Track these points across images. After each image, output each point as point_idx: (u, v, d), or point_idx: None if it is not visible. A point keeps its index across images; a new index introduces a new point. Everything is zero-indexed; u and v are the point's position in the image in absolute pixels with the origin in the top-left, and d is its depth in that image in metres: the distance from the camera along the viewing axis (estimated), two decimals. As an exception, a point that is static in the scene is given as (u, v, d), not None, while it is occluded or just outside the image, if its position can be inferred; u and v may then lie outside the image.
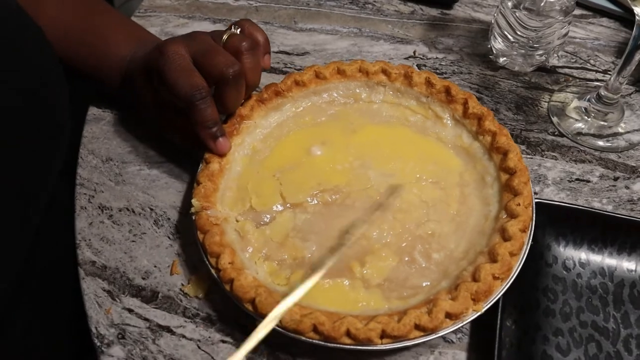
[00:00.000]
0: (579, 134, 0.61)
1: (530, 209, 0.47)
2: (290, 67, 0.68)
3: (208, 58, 0.48)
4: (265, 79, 0.52)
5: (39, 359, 0.54)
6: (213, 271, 0.45)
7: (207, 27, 0.72)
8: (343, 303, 0.44)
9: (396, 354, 0.46)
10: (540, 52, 0.64)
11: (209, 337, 0.47)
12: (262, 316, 0.42)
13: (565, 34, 0.64)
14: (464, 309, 0.41)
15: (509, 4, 0.62)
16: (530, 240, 0.47)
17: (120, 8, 1.23)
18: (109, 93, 0.60)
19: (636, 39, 0.54)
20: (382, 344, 0.41)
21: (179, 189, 0.56)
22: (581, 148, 0.60)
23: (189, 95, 0.47)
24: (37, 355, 0.53)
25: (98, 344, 0.47)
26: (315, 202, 0.49)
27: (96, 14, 0.58)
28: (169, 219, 0.54)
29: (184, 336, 0.47)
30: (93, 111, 0.63)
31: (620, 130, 0.61)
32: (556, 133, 0.61)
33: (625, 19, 0.72)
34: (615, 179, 0.57)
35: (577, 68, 0.68)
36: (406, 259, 0.46)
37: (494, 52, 0.67)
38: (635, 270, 0.50)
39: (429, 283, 0.45)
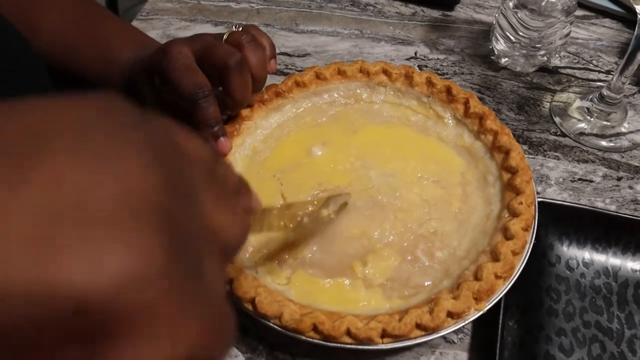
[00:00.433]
0: (582, 134, 0.60)
1: (533, 207, 0.47)
2: (291, 69, 0.68)
3: (210, 52, 0.48)
4: (266, 80, 0.52)
5: None
6: None
7: (209, 29, 0.73)
8: (344, 302, 0.43)
9: (397, 354, 0.46)
10: (542, 52, 0.64)
11: (209, 337, 0.47)
12: (262, 316, 0.42)
13: (567, 34, 0.63)
14: (465, 308, 0.41)
15: (511, 4, 0.62)
16: (533, 239, 0.46)
17: (124, 14, 1.23)
18: None
19: (638, 38, 0.53)
20: (382, 343, 0.40)
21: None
22: (584, 148, 0.59)
23: (192, 93, 0.47)
24: None
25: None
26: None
27: (97, 22, 0.58)
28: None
29: (183, 336, 0.47)
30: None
31: (623, 130, 0.61)
32: (558, 133, 0.61)
33: (627, 19, 0.72)
34: (619, 179, 0.57)
35: (579, 68, 0.67)
36: (409, 257, 0.46)
37: (496, 52, 0.67)
38: (640, 271, 0.50)
39: (430, 282, 0.44)
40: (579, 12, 0.73)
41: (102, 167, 0.15)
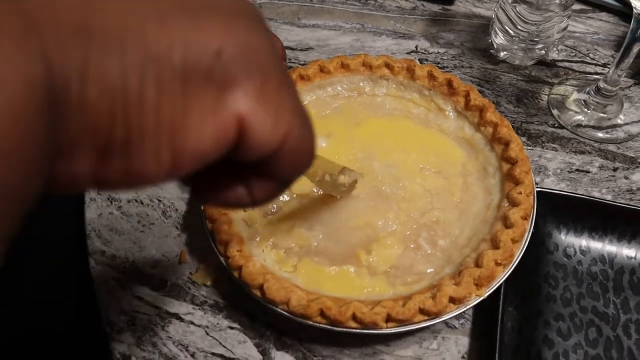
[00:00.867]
0: (579, 125, 0.62)
1: (532, 197, 0.48)
2: (294, 62, 0.69)
3: None
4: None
5: (52, 346, 0.55)
6: (222, 259, 0.46)
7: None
8: (349, 289, 0.45)
9: (400, 339, 0.47)
10: (540, 45, 0.65)
11: (217, 323, 0.48)
12: (270, 302, 0.43)
13: (565, 28, 0.65)
14: (467, 293, 0.42)
15: (509, -2, 0.64)
16: (532, 228, 0.48)
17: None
18: None
19: (634, 31, 0.55)
20: (387, 327, 0.42)
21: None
22: (581, 139, 0.61)
23: None
24: (51, 342, 0.54)
25: (109, 330, 0.48)
26: (321, 192, 0.50)
27: None
28: (176, 209, 0.55)
29: (192, 323, 0.48)
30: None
31: (619, 121, 0.62)
32: (556, 125, 0.62)
33: (624, 13, 0.73)
34: (615, 169, 0.58)
35: (576, 62, 0.69)
36: (412, 246, 0.47)
37: (495, 46, 0.68)
38: (635, 258, 0.51)
39: (433, 270, 0.46)
40: (576, 6, 0.75)
41: None
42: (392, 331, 0.42)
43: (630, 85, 0.66)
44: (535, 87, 0.66)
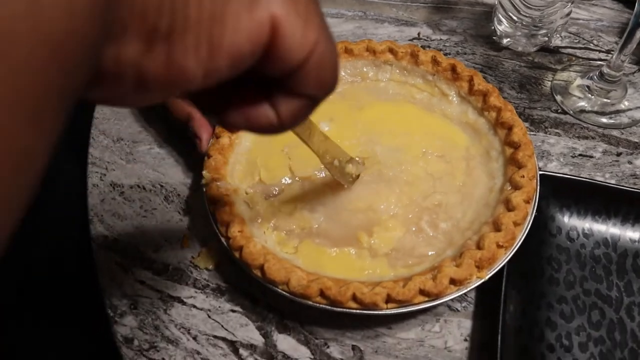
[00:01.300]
0: (582, 111, 0.62)
1: (534, 181, 0.48)
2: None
3: None
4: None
5: (55, 330, 0.55)
6: (223, 239, 0.46)
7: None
8: (349, 271, 0.45)
9: (402, 321, 0.47)
10: (543, 32, 0.65)
11: (219, 306, 0.48)
12: (271, 282, 0.43)
13: (568, 14, 0.64)
14: (467, 275, 0.42)
15: (512, -16, 0.63)
16: (534, 211, 0.47)
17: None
18: None
19: (638, 15, 0.54)
20: (387, 308, 0.42)
21: (188, 167, 0.57)
22: (584, 125, 0.61)
23: None
24: (54, 326, 0.54)
25: (111, 314, 0.48)
26: (323, 175, 0.50)
27: None
28: (178, 195, 0.55)
29: (194, 306, 0.48)
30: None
31: (622, 107, 0.62)
32: (559, 111, 0.62)
33: (628, 0, 0.73)
34: (618, 154, 0.58)
35: (580, 48, 0.68)
36: (413, 229, 0.47)
37: (498, 33, 0.68)
38: (639, 241, 0.51)
39: (434, 252, 0.46)
40: (580, -7, 0.75)
41: None
42: (392, 312, 0.42)
43: (635, 72, 0.66)
44: (539, 74, 0.65)
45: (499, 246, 0.44)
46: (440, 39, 0.70)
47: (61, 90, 0.16)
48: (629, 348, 0.45)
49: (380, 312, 0.42)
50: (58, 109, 0.16)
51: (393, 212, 0.48)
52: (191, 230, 0.53)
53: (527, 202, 0.47)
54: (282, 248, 0.46)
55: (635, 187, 0.55)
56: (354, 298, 0.42)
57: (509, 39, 0.67)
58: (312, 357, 0.45)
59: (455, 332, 0.46)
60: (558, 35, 0.69)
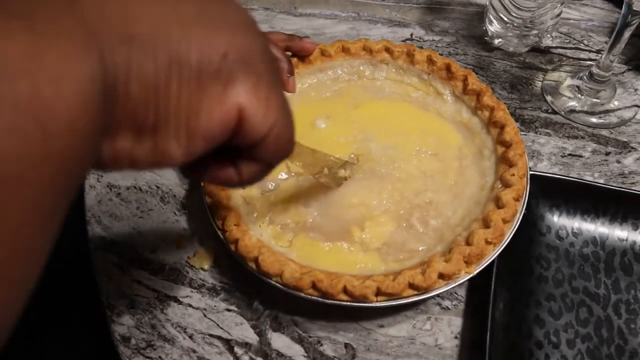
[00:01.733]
0: (572, 111, 0.62)
1: (525, 179, 0.49)
2: (290, 51, 0.69)
3: None
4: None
5: (53, 329, 0.56)
6: (219, 232, 0.47)
7: (209, 13, 0.74)
8: (342, 264, 0.46)
9: (394, 320, 0.48)
10: (535, 32, 0.66)
11: (215, 306, 0.49)
12: (265, 274, 0.44)
13: (558, 14, 0.65)
14: (456, 270, 0.43)
15: (503, -15, 0.64)
16: (524, 209, 0.48)
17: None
18: None
19: (625, 17, 0.55)
20: (377, 301, 0.43)
21: (184, 168, 0.58)
22: (574, 125, 0.61)
23: None
24: (51, 326, 0.55)
25: (109, 313, 0.49)
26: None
27: None
28: (174, 196, 0.56)
29: (190, 305, 0.49)
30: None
31: (612, 107, 0.63)
32: (550, 111, 0.63)
33: (617, 0, 0.74)
34: (607, 153, 0.59)
35: (570, 48, 0.69)
36: (404, 224, 0.48)
37: (489, 33, 0.69)
38: (627, 240, 0.52)
39: (425, 247, 0.47)
40: (571, -6, 0.75)
41: (227, 1, 0.25)
42: (382, 305, 0.43)
43: (624, 71, 0.67)
44: (529, 74, 0.66)
45: (487, 242, 0.45)
46: (433, 40, 0.70)
47: (63, 190, 0.19)
48: (615, 344, 0.46)
49: (370, 305, 0.43)
50: (60, 206, 0.19)
51: (385, 208, 0.49)
52: (187, 230, 0.54)
53: (517, 200, 0.48)
54: (276, 241, 0.47)
55: (624, 186, 0.56)
56: (345, 291, 0.43)
57: (500, 40, 0.68)
58: (305, 355, 0.46)
59: (446, 329, 0.47)
60: (549, 36, 0.69)
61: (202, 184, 0.50)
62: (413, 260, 0.45)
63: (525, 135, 0.60)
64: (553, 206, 0.53)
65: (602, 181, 0.57)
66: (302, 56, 0.58)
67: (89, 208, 0.55)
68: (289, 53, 0.58)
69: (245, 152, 0.26)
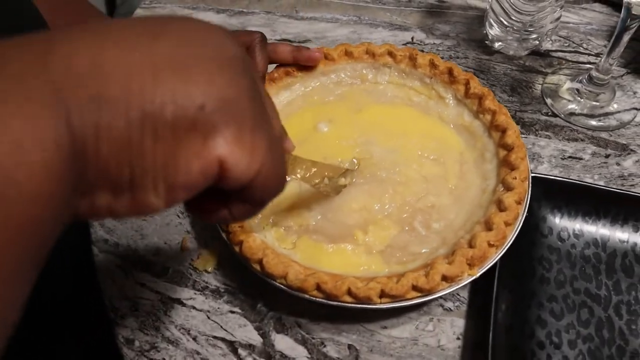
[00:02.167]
0: (572, 114, 0.63)
1: (526, 182, 0.49)
2: (292, 55, 0.70)
3: (233, 35, 0.52)
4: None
5: (57, 332, 0.56)
6: (223, 234, 0.47)
7: (211, 17, 0.75)
8: (345, 266, 0.46)
9: (397, 321, 0.48)
10: (534, 36, 0.66)
11: (218, 308, 0.49)
12: (269, 276, 0.44)
13: (558, 18, 0.66)
14: (459, 272, 0.44)
15: (503, -11, 0.65)
16: (525, 212, 0.49)
17: (123, 3, 1.25)
18: None
19: (624, 20, 0.56)
20: (381, 303, 0.43)
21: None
22: (574, 127, 0.62)
23: None
24: (55, 328, 0.55)
25: (113, 316, 0.49)
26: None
27: (87, 18, 0.59)
28: (177, 198, 0.56)
29: (194, 307, 0.49)
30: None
31: (611, 110, 0.63)
32: (549, 113, 0.63)
33: (617, 3, 0.74)
34: (607, 156, 0.59)
35: (570, 52, 0.70)
36: (407, 228, 0.49)
37: (490, 37, 0.69)
38: (628, 241, 0.52)
39: (427, 250, 0.47)
40: (570, -2, 0.76)
41: (208, 39, 0.24)
42: (386, 306, 0.43)
43: (623, 74, 0.67)
44: (529, 77, 0.67)
45: (490, 245, 0.45)
46: (434, 43, 0.71)
47: (28, 253, 0.19)
48: (616, 345, 0.46)
49: (373, 307, 0.43)
50: (26, 268, 0.19)
51: (387, 212, 0.50)
52: (190, 233, 0.54)
53: (519, 203, 0.48)
54: (280, 243, 0.48)
55: (623, 188, 0.57)
56: (349, 292, 0.43)
57: (500, 43, 0.69)
58: (309, 356, 0.47)
59: (448, 330, 0.48)
60: (548, 39, 0.70)
61: None
62: (416, 263, 0.46)
63: (526, 137, 0.61)
64: (555, 208, 0.53)
65: (602, 183, 0.57)
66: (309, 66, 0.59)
67: (92, 211, 0.55)
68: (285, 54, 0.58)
69: (234, 194, 0.26)
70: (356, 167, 0.52)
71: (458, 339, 0.47)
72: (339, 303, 0.43)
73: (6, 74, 0.18)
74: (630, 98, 0.65)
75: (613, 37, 0.58)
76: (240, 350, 0.47)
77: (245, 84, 0.24)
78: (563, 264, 0.51)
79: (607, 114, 0.63)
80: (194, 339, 0.48)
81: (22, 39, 0.20)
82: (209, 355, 0.47)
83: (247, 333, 0.48)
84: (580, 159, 0.59)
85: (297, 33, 0.72)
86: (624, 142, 0.61)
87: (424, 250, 0.47)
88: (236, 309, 0.49)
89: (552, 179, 0.53)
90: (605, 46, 0.71)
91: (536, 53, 0.69)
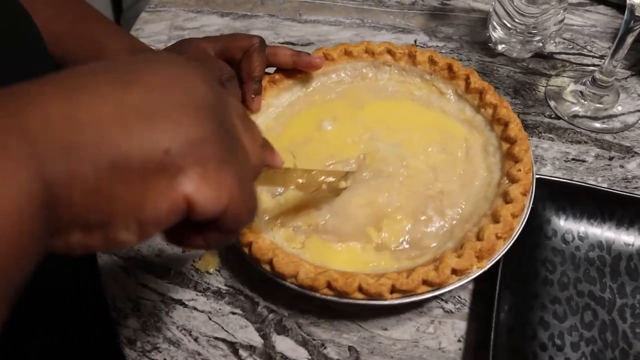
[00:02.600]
0: (575, 116, 0.63)
1: (531, 174, 0.49)
2: (295, 57, 0.70)
3: (233, 39, 0.55)
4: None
5: (60, 332, 0.56)
6: None
7: (215, 20, 0.75)
8: (354, 264, 0.46)
9: (397, 323, 0.48)
10: (538, 38, 0.66)
11: (219, 309, 0.49)
12: (279, 275, 0.44)
13: (561, 20, 0.66)
14: (468, 265, 0.44)
15: (506, -8, 0.65)
16: (531, 203, 0.49)
17: (129, 8, 1.26)
18: None
19: (627, 22, 0.56)
20: (392, 298, 0.43)
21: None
22: (577, 130, 0.62)
23: (216, 76, 0.52)
24: (58, 328, 0.55)
25: (115, 316, 0.49)
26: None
27: (91, 21, 0.58)
28: (180, 200, 0.56)
29: (195, 308, 0.50)
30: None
31: (615, 112, 0.63)
32: (553, 116, 0.63)
33: (621, 5, 0.74)
34: (610, 158, 0.59)
35: (574, 54, 0.70)
36: (422, 218, 0.49)
37: (493, 39, 0.69)
38: (633, 244, 0.52)
39: (436, 244, 0.47)
40: (574, 0, 0.76)
41: (177, 82, 0.25)
42: (397, 302, 0.43)
43: (627, 77, 0.67)
44: (533, 79, 0.67)
45: (497, 237, 0.45)
46: (437, 46, 0.71)
47: (6, 289, 0.20)
48: (620, 348, 0.46)
49: (385, 302, 0.43)
50: (18, 280, 0.21)
51: (398, 205, 0.50)
52: (192, 234, 0.54)
53: (524, 194, 0.48)
54: (289, 244, 0.48)
55: (627, 190, 0.56)
56: (360, 289, 0.43)
57: (503, 46, 0.69)
58: (309, 357, 0.46)
59: (449, 333, 0.47)
60: (552, 41, 0.70)
61: None
62: (425, 257, 0.46)
63: (529, 140, 0.60)
64: (559, 210, 0.53)
65: (605, 186, 0.57)
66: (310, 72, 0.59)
67: (95, 212, 0.56)
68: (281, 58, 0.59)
69: (206, 224, 0.27)
70: (358, 167, 0.52)
71: (459, 341, 0.47)
72: (350, 300, 0.43)
73: None
74: (634, 100, 0.64)
75: (617, 40, 0.57)
76: (241, 351, 0.47)
77: (212, 124, 0.25)
78: (567, 266, 0.51)
79: (610, 116, 0.63)
80: (195, 339, 0.48)
81: None
82: (210, 356, 0.47)
83: (248, 334, 0.48)
84: (584, 161, 0.59)
85: (301, 36, 0.73)
86: (628, 145, 0.60)
87: (432, 245, 0.47)
88: (237, 310, 0.49)
89: (556, 181, 0.53)
90: (609, 48, 0.70)
91: (539, 55, 0.69)
